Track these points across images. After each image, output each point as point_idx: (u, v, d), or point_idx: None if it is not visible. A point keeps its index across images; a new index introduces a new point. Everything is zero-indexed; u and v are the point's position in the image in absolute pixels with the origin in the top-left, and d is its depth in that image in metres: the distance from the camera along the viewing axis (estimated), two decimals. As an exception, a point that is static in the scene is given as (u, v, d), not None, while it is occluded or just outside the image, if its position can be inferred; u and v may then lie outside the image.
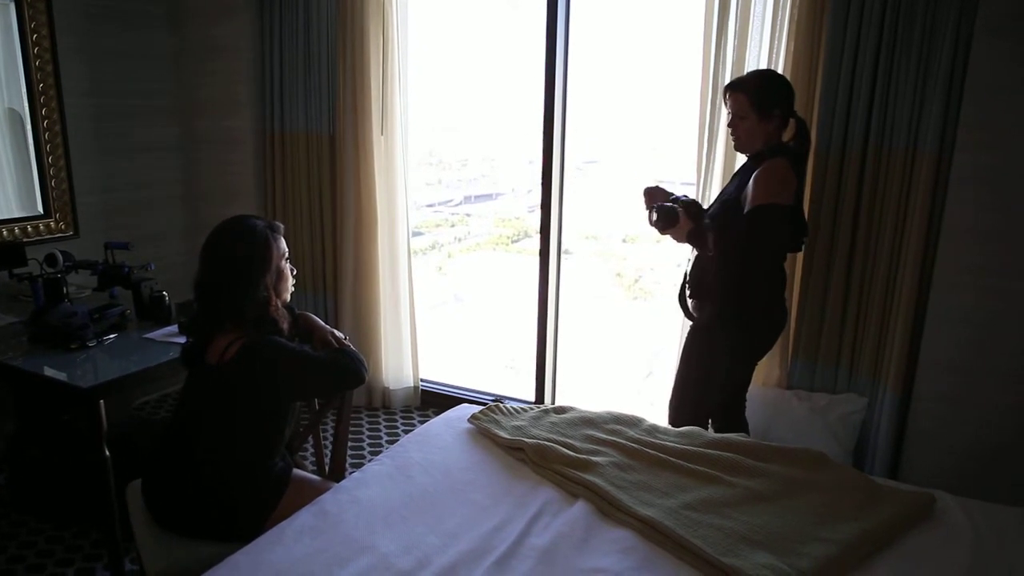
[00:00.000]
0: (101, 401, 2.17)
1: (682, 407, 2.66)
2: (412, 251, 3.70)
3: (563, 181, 3.42)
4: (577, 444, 2.09)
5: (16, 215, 3.23)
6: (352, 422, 3.55)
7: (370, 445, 3.42)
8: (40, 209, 3.31)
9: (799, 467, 2.02)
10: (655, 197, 2.42)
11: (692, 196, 2.54)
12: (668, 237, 2.36)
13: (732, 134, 2.41)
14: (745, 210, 2.28)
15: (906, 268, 2.61)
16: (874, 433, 2.80)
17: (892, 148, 2.60)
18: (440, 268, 7.01)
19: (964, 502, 1.91)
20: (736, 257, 2.32)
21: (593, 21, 3.49)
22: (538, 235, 3.42)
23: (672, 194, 2.43)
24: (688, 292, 2.56)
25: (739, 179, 2.45)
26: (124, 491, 2.16)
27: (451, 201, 7.60)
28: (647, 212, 2.36)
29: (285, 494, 1.98)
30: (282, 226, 2.01)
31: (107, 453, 2.19)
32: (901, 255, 2.64)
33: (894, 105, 2.57)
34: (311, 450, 3.07)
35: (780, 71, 2.68)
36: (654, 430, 2.22)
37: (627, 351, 5.62)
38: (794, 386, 2.95)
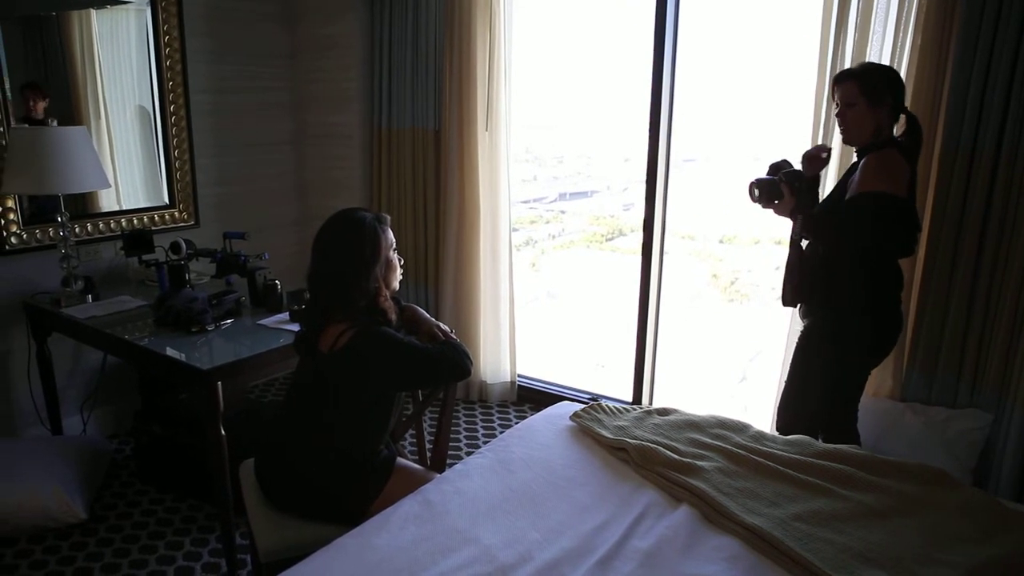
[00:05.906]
0: (219, 383, 2.28)
1: (786, 411, 2.57)
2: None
3: (668, 179, 3.36)
4: (681, 447, 2.05)
5: (144, 205, 3.45)
6: (449, 414, 3.61)
7: (467, 438, 3.47)
8: (166, 199, 3.52)
9: (917, 484, 1.91)
10: (778, 171, 2.39)
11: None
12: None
13: (840, 125, 2.33)
14: (847, 196, 2.19)
15: (1042, 276, 2.44)
16: (999, 453, 2.62)
17: (1030, 147, 2.42)
18: (534, 264, 7.03)
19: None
20: (834, 252, 2.24)
21: (701, 16, 3.41)
22: (632, 233, 3.39)
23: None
24: (782, 296, 2.49)
25: (845, 178, 2.36)
26: (237, 469, 2.27)
27: (546, 198, 7.60)
28: (748, 188, 2.35)
29: (389, 481, 2.03)
30: (388, 217, 2.06)
31: (223, 432, 2.30)
32: (1037, 262, 2.46)
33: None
34: (411, 440, 3.13)
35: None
36: (761, 437, 2.15)
37: (722, 354, 5.48)
38: (909, 398, 2.79)
